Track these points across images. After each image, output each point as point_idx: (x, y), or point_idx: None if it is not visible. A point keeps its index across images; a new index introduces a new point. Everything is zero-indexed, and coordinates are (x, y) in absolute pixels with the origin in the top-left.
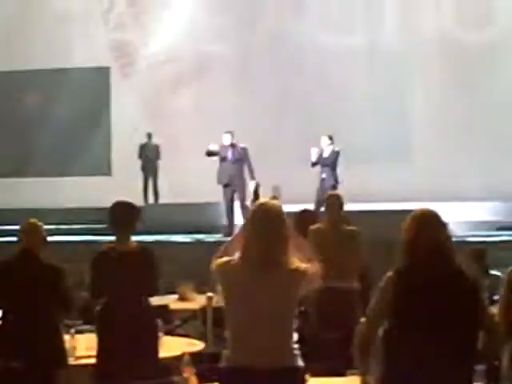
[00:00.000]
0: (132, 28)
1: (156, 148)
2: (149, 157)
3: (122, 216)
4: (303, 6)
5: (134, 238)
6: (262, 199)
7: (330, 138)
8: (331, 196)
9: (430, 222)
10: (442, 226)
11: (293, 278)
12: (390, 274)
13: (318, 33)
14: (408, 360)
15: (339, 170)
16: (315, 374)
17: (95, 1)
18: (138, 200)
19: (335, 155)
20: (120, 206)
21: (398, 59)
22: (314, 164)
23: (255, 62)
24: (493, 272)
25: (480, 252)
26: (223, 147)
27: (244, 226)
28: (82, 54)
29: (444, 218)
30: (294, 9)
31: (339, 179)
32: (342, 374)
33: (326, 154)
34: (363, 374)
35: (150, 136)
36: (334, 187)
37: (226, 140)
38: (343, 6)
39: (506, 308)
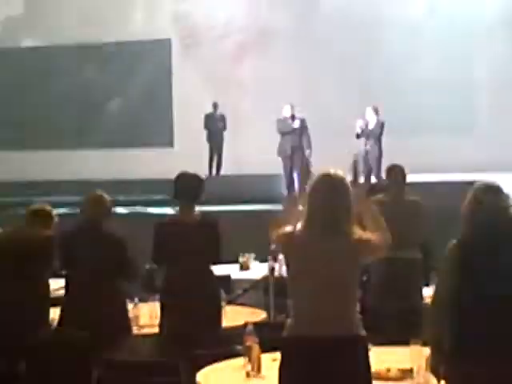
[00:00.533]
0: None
1: (222, 118)
2: (214, 127)
3: (187, 187)
4: None
5: (198, 208)
6: (325, 169)
7: (375, 109)
8: (394, 167)
9: (490, 192)
10: (504, 196)
11: (356, 247)
12: (453, 242)
13: (381, 4)
14: (479, 322)
15: (388, 141)
16: (377, 344)
17: None
18: (200, 171)
19: (380, 126)
20: (184, 176)
21: (461, 30)
22: (358, 136)
23: (317, 33)
24: None
25: None
26: (284, 119)
27: (307, 195)
28: (143, 27)
29: (507, 189)
30: None
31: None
32: (403, 345)
33: (371, 126)
34: (435, 344)
35: (215, 106)
36: (379, 158)
37: (287, 111)
38: None
39: None
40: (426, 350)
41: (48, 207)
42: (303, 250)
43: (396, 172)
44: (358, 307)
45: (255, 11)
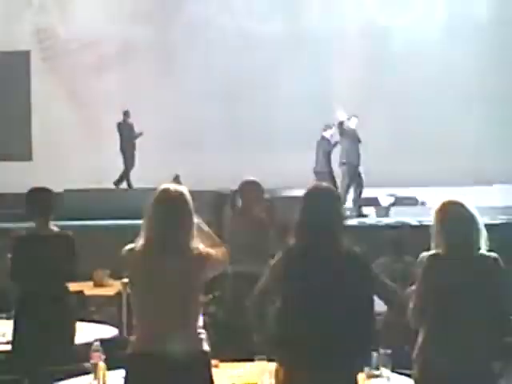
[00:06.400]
0: (53, 11)
1: (132, 127)
2: (127, 136)
3: (40, 201)
4: None
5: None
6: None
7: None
8: (247, 183)
9: (320, 200)
10: (334, 203)
11: (196, 263)
12: (280, 252)
13: (241, 19)
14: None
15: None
16: (225, 360)
17: None
18: (55, 185)
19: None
20: (37, 191)
21: (320, 46)
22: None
23: (179, 45)
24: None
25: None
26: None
27: (146, 210)
28: (2, 38)
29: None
30: None
31: None
32: (251, 360)
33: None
34: None
35: (126, 114)
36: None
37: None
38: None
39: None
40: (271, 366)
41: None
42: (142, 267)
43: (249, 188)
44: (200, 322)
45: (117, 23)
